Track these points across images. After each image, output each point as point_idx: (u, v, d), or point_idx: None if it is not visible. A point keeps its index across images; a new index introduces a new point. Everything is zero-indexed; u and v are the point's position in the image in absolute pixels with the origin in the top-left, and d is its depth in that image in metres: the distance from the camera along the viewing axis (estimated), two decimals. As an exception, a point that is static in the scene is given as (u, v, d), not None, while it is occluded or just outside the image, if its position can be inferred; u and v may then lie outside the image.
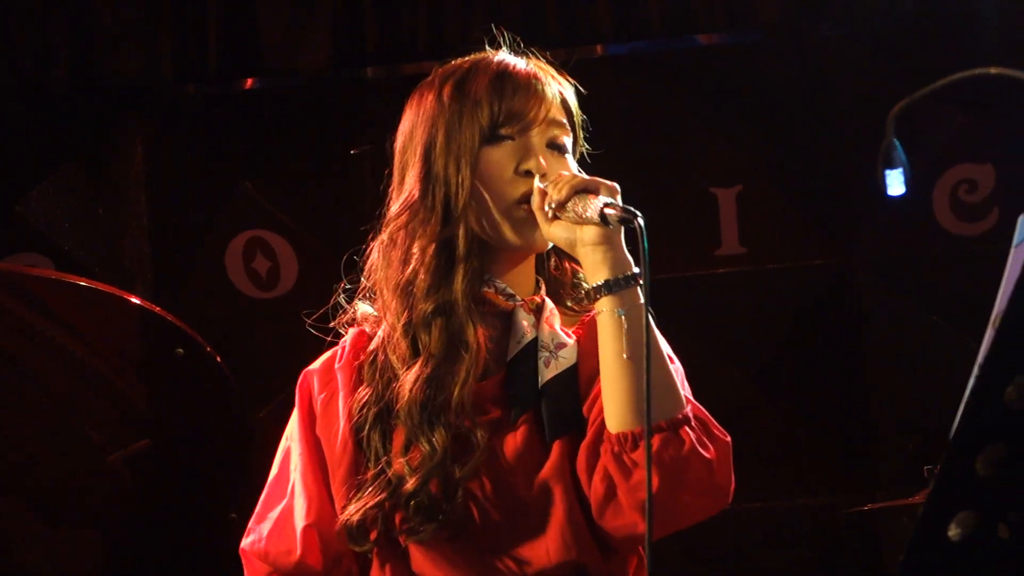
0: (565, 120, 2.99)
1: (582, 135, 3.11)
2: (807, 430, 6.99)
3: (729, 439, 2.89)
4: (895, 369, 6.96)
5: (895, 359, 6.96)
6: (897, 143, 5.75)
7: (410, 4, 6.94)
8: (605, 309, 2.78)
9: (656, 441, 2.71)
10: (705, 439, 2.81)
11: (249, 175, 7.02)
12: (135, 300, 5.04)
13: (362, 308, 3.03)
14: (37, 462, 5.15)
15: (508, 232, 2.92)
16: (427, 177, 2.91)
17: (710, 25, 7.13)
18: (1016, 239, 2.55)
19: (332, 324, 3.08)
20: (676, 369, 2.96)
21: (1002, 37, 6.63)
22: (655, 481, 2.68)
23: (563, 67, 3.11)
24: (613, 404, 2.78)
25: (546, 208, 2.81)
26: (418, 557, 2.86)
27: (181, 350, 4.85)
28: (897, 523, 6.23)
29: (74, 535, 5.34)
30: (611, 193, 2.80)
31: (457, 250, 2.88)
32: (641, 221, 2.73)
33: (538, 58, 3.09)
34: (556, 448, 2.87)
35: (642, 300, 2.79)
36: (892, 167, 5.75)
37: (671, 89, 7.18)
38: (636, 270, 2.80)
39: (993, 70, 5.26)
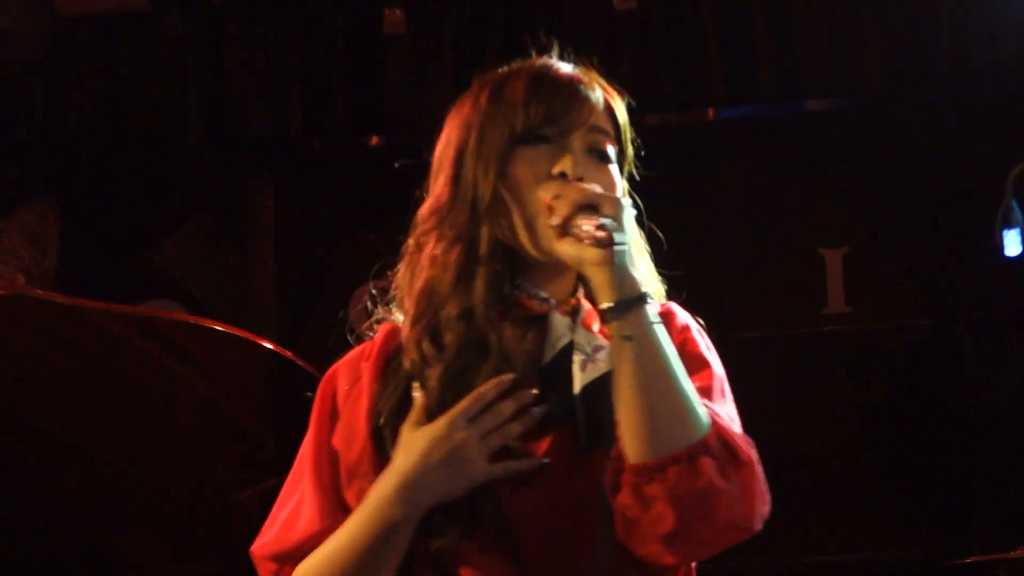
0: (610, 129, 2.70)
1: (631, 152, 2.80)
2: (906, 484, 6.96)
3: (755, 460, 2.58)
4: (996, 425, 6.92)
5: (997, 416, 6.93)
6: (1015, 205, 5.73)
7: (468, 54, 6.97)
8: (615, 334, 2.52)
9: (672, 474, 2.47)
10: (728, 467, 2.53)
11: (373, 227, 7.10)
12: (268, 345, 5.07)
13: (393, 316, 2.79)
14: (168, 497, 5.19)
15: (527, 240, 2.66)
16: (456, 181, 2.67)
17: (819, 91, 7.16)
18: None
19: (363, 326, 2.88)
20: (715, 375, 2.70)
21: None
22: (671, 517, 2.48)
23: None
24: (628, 434, 2.52)
25: (554, 223, 2.56)
26: (449, 564, 2.61)
27: (310, 394, 4.90)
28: (994, 576, 6.20)
29: (200, 569, 5.40)
30: (614, 209, 2.54)
31: (479, 252, 2.64)
32: (620, 247, 2.50)
33: (588, 67, 2.79)
34: (594, 457, 2.61)
35: (654, 321, 2.53)
36: (1010, 227, 5.73)
37: (780, 152, 7.20)
38: (645, 291, 2.53)
39: None
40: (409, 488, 2.55)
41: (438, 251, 2.64)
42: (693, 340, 2.67)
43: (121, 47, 7.40)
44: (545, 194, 2.59)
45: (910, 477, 6.97)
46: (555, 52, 2.80)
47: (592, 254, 2.50)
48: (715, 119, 7.18)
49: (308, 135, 7.38)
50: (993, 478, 6.83)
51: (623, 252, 2.50)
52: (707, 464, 2.50)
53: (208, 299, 7.23)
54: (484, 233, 2.63)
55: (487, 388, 2.57)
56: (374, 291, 2.83)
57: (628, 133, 2.75)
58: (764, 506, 2.57)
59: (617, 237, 2.49)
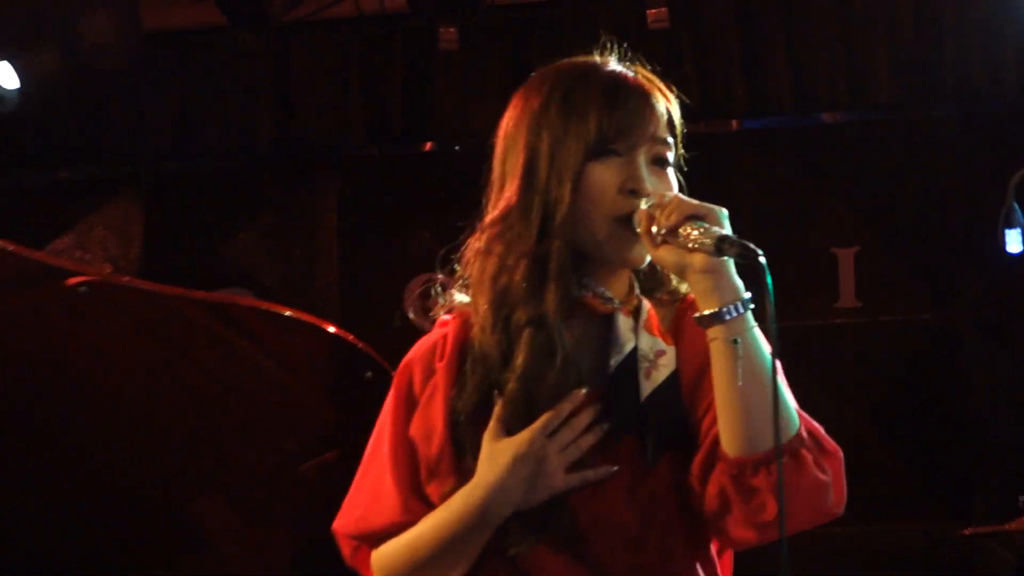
0: (669, 136, 2.60)
1: (680, 146, 2.68)
2: (911, 462, 6.97)
3: (841, 452, 2.55)
4: (995, 410, 6.91)
5: (996, 401, 6.91)
6: (1016, 206, 5.71)
7: (513, 70, 6.97)
8: (719, 337, 2.45)
9: (776, 468, 2.41)
10: (820, 458, 2.50)
11: (426, 225, 7.14)
12: (332, 329, 5.06)
13: (458, 297, 2.70)
14: (239, 468, 5.22)
15: (608, 249, 2.57)
16: (527, 188, 2.56)
17: (833, 105, 7.17)
18: None
19: (431, 314, 2.77)
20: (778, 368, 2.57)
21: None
22: (773, 506, 2.43)
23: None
24: (730, 430, 2.47)
25: (654, 231, 2.46)
26: (523, 565, 2.58)
27: (369, 374, 4.89)
28: (989, 548, 6.19)
29: (267, 534, 5.42)
30: (718, 220, 2.45)
31: (550, 265, 2.53)
32: (763, 259, 2.39)
33: (646, 69, 2.71)
34: (661, 463, 2.56)
35: (753, 324, 2.45)
36: (1011, 227, 5.71)
37: (798, 160, 7.21)
38: (747, 295, 2.46)
39: None
40: (493, 501, 2.52)
41: (510, 260, 2.57)
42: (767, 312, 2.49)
43: (199, 59, 7.44)
44: (618, 209, 2.53)
45: (915, 456, 6.97)
46: (611, 54, 2.72)
47: (699, 261, 2.43)
48: (738, 129, 7.21)
49: (368, 141, 7.41)
50: (990, 459, 6.82)
51: (727, 260, 2.43)
52: (806, 457, 2.48)
53: (276, 287, 7.25)
54: (555, 246, 2.54)
55: (564, 405, 2.52)
56: (439, 280, 2.75)
57: (681, 130, 2.66)
58: (845, 499, 2.55)
59: (721, 234, 2.41)
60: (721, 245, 2.39)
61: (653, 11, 6.55)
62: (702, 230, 2.42)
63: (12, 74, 6.82)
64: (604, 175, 2.54)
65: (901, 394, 7.04)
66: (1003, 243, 5.49)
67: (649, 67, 2.71)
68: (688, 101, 2.72)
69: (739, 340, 2.44)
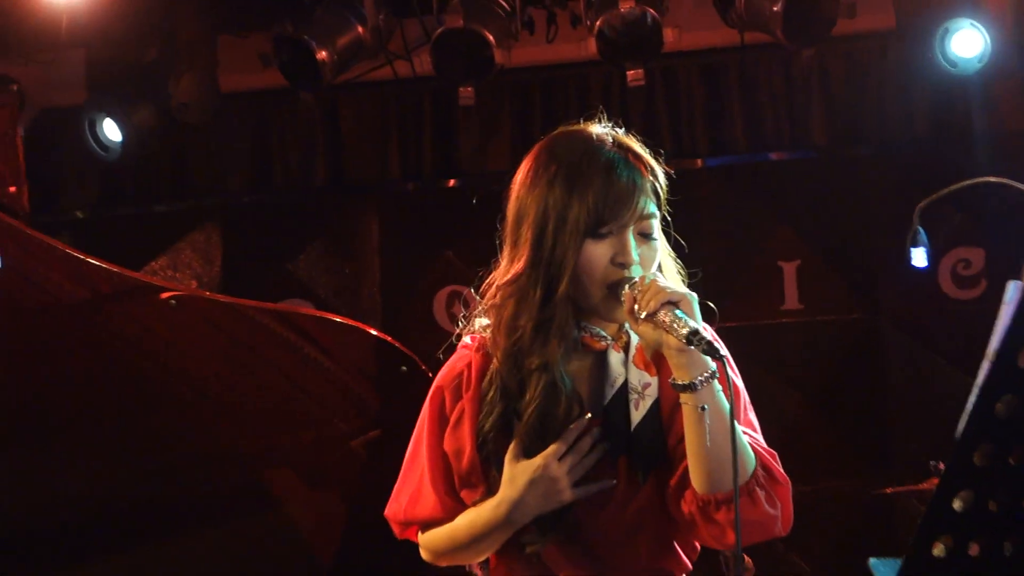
0: (654, 208, 2.58)
1: (664, 202, 2.63)
2: (842, 434, 6.94)
3: (788, 483, 2.57)
4: (909, 391, 6.88)
5: (909, 384, 6.89)
6: (921, 229, 5.68)
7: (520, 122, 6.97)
8: (689, 403, 2.44)
9: (733, 507, 2.41)
10: (772, 491, 2.53)
11: (450, 247, 7.16)
12: (374, 332, 5.08)
13: (480, 322, 2.70)
14: (302, 443, 5.22)
15: (601, 310, 2.57)
16: (535, 261, 2.54)
17: (779, 146, 7.15)
18: (1006, 298, 2.61)
19: (457, 332, 2.77)
20: (742, 397, 2.65)
21: (993, 154, 6.58)
22: (731, 535, 2.47)
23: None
24: (698, 474, 2.48)
25: (636, 311, 2.45)
26: (537, 558, 2.64)
27: (405, 368, 4.89)
28: (908, 504, 6.16)
29: (326, 496, 5.41)
30: (690, 307, 2.42)
31: (553, 324, 2.54)
32: (725, 352, 2.40)
33: (638, 141, 2.65)
34: (650, 478, 2.61)
35: (718, 390, 2.44)
36: (917, 246, 5.69)
37: (751, 191, 7.18)
38: (712, 367, 2.43)
39: (992, 179, 5.12)
40: (515, 512, 2.57)
41: (521, 321, 2.57)
42: (725, 376, 2.47)
43: (267, 114, 7.44)
44: (608, 277, 2.53)
45: (845, 429, 6.94)
46: (603, 119, 2.69)
47: (674, 342, 2.41)
48: (702, 167, 7.16)
49: (404, 178, 7.38)
50: (906, 431, 6.81)
51: (704, 343, 2.37)
52: (759, 496, 2.51)
53: (329, 298, 7.25)
54: (559, 309, 2.54)
55: (570, 431, 2.54)
56: (465, 293, 2.77)
57: (664, 196, 2.63)
58: (792, 517, 2.57)
59: (692, 327, 2.38)
60: (691, 338, 2.37)
61: (632, 72, 6.53)
62: (675, 318, 2.40)
63: (116, 129, 6.84)
64: (598, 251, 2.53)
65: (834, 378, 7.01)
66: (910, 259, 5.49)
67: (633, 131, 2.68)
68: (660, 148, 2.71)
69: (706, 408, 2.43)
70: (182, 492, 5.00)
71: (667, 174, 2.66)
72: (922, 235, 5.40)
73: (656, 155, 2.65)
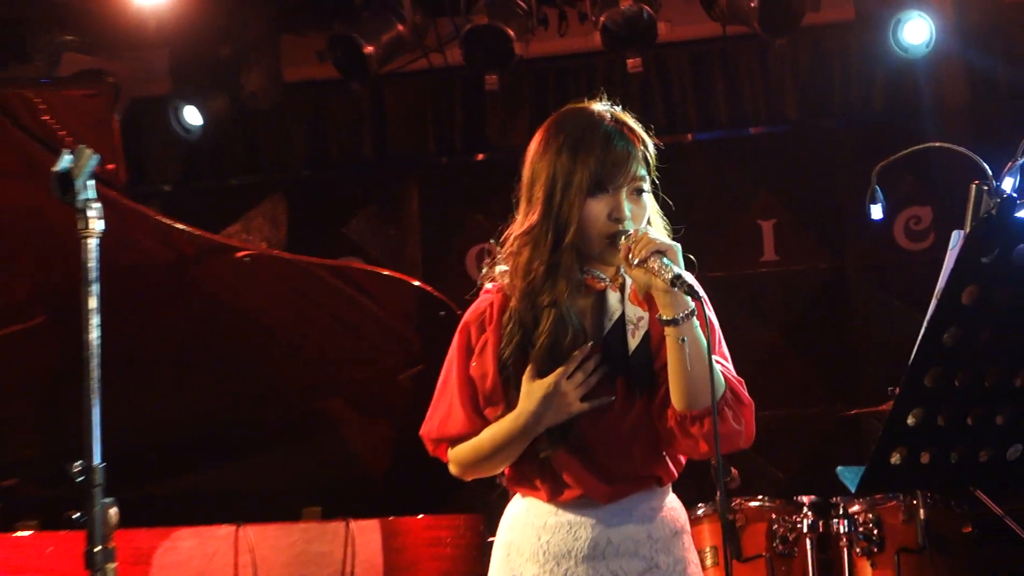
0: (644, 172, 2.60)
1: (654, 167, 2.64)
2: (814, 366, 6.94)
3: (752, 404, 2.60)
4: (870, 328, 6.89)
5: (870, 322, 6.90)
6: (878, 188, 5.69)
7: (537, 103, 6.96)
8: (671, 336, 2.50)
9: (707, 422, 2.51)
10: (738, 411, 2.56)
11: (480, 211, 7.15)
12: (416, 283, 5.10)
13: (499, 268, 2.71)
14: (356, 377, 5.24)
15: (600, 255, 2.60)
16: (546, 215, 2.58)
17: (757, 121, 7.12)
18: (950, 245, 2.63)
19: (479, 279, 2.77)
20: (717, 334, 2.65)
21: (939, 124, 6.61)
22: (704, 446, 2.54)
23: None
24: (677, 394, 2.54)
25: (630, 259, 2.50)
26: (548, 463, 2.66)
27: (442, 312, 4.91)
28: (869, 424, 6.18)
29: (375, 423, 5.45)
30: (675, 256, 2.48)
31: (561, 267, 2.57)
32: (702, 294, 2.47)
33: (633, 119, 2.66)
34: (640, 394, 2.64)
35: (696, 325, 2.49)
36: (874, 203, 5.69)
37: (733, 161, 7.16)
38: (692, 307, 2.48)
39: (937, 144, 5.14)
40: (531, 423, 2.59)
41: (534, 264, 2.59)
42: (700, 305, 2.52)
43: (322, 100, 7.44)
44: (606, 230, 2.56)
45: (817, 362, 6.95)
46: (603, 99, 2.70)
47: (660, 284, 2.46)
48: (691, 140, 7.15)
49: (439, 153, 7.36)
50: (869, 362, 6.83)
51: (684, 286, 2.43)
52: (727, 414, 2.55)
53: (378, 256, 7.25)
54: (566, 254, 2.57)
55: (576, 355, 2.58)
56: (490, 247, 2.75)
57: (654, 164, 2.64)
58: (754, 432, 2.60)
59: (676, 272, 2.44)
60: (675, 281, 2.43)
61: (631, 60, 6.55)
62: (662, 265, 2.45)
63: (196, 114, 6.86)
64: (597, 207, 2.57)
65: (807, 318, 7.00)
66: (869, 214, 5.51)
67: (630, 110, 2.69)
68: (655, 125, 2.72)
69: (685, 339, 2.49)
70: (258, 418, 5.05)
71: (658, 146, 2.68)
72: (879, 193, 5.40)
73: (647, 129, 2.67)
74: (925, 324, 2.21)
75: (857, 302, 6.98)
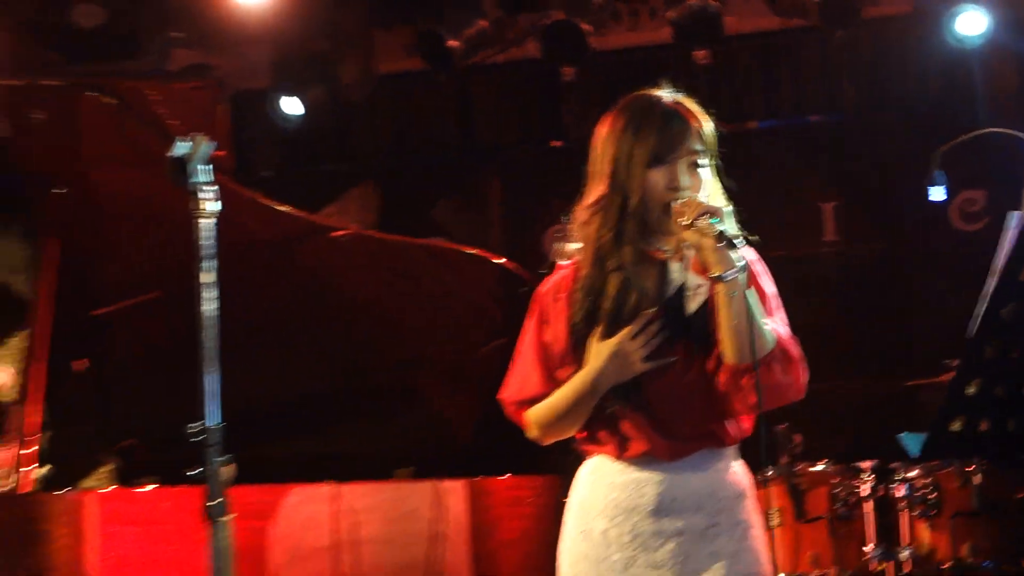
0: (701, 147, 2.63)
1: (715, 148, 2.68)
2: (871, 340, 6.92)
3: (800, 357, 2.62)
4: (926, 304, 6.86)
5: (925, 299, 6.87)
6: (939, 172, 5.69)
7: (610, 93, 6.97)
8: (721, 292, 2.52)
9: (756, 374, 2.53)
10: (787, 366, 2.59)
11: (557, 195, 7.14)
12: (497, 260, 5.15)
13: (570, 246, 2.74)
14: (444, 350, 5.27)
15: (658, 223, 2.61)
16: (612, 187, 2.63)
17: (817, 110, 7.11)
18: (1009, 224, 2.60)
19: (552, 254, 2.79)
20: (770, 297, 2.66)
21: (992, 112, 6.54)
22: (754, 398, 2.56)
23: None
24: (727, 348, 2.55)
25: (681, 221, 2.54)
26: (613, 419, 2.68)
27: (524, 288, 4.93)
28: (926, 394, 6.13)
29: (461, 391, 5.48)
30: (723, 216, 2.53)
31: (626, 235, 2.61)
32: (742, 247, 2.51)
33: (693, 102, 2.70)
34: (699, 355, 2.64)
35: (744, 281, 2.52)
36: (936, 185, 5.69)
37: (796, 147, 7.14)
38: (739, 264, 2.51)
39: (992, 130, 5.13)
40: (599, 379, 2.62)
41: (603, 231, 2.63)
42: (756, 275, 2.60)
43: (410, 92, 7.48)
44: (664, 199, 2.59)
45: (875, 336, 6.92)
46: (668, 87, 2.72)
47: (709, 243, 2.50)
48: (756, 128, 7.13)
49: (519, 141, 7.40)
50: (925, 336, 6.78)
51: (728, 242, 2.48)
52: (776, 367, 2.57)
53: (464, 236, 7.27)
54: (630, 222, 2.61)
55: (640, 318, 2.61)
56: (563, 223, 2.75)
57: (714, 141, 2.68)
58: (805, 386, 2.63)
59: (720, 229, 2.48)
60: (720, 238, 2.47)
61: (699, 52, 6.56)
62: (709, 225, 2.49)
63: (298, 104, 6.94)
64: (655, 177, 2.60)
65: (865, 295, 6.97)
66: (929, 195, 5.47)
67: (694, 95, 2.72)
68: (722, 114, 2.72)
69: (735, 294, 2.51)
70: (355, 387, 5.10)
71: (724, 133, 2.70)
72: (941, 175, 5.38)
73: (710, 113, 2.69)
74: (984, 299, 2.19)
75: (914, 280, 6.94)
